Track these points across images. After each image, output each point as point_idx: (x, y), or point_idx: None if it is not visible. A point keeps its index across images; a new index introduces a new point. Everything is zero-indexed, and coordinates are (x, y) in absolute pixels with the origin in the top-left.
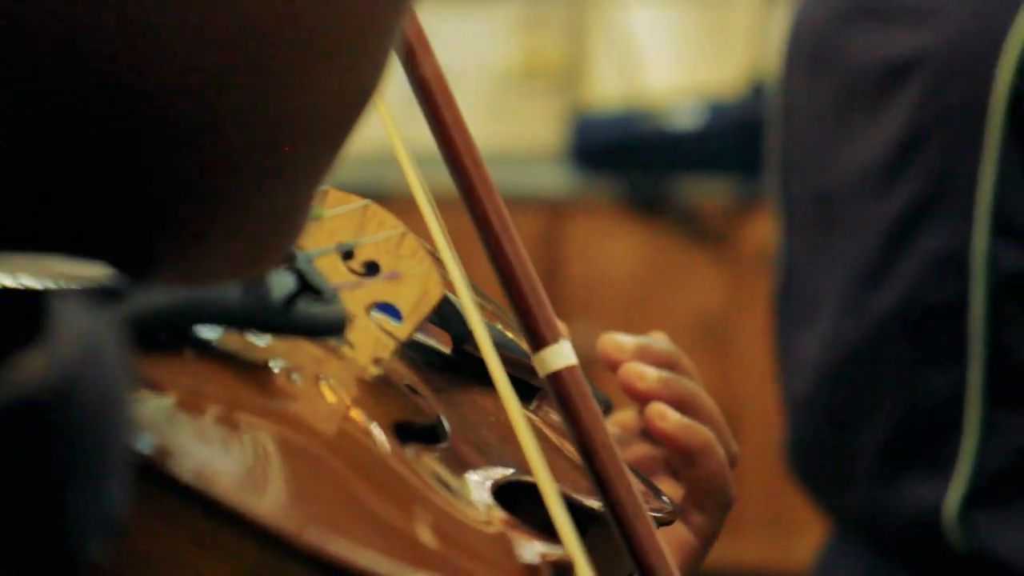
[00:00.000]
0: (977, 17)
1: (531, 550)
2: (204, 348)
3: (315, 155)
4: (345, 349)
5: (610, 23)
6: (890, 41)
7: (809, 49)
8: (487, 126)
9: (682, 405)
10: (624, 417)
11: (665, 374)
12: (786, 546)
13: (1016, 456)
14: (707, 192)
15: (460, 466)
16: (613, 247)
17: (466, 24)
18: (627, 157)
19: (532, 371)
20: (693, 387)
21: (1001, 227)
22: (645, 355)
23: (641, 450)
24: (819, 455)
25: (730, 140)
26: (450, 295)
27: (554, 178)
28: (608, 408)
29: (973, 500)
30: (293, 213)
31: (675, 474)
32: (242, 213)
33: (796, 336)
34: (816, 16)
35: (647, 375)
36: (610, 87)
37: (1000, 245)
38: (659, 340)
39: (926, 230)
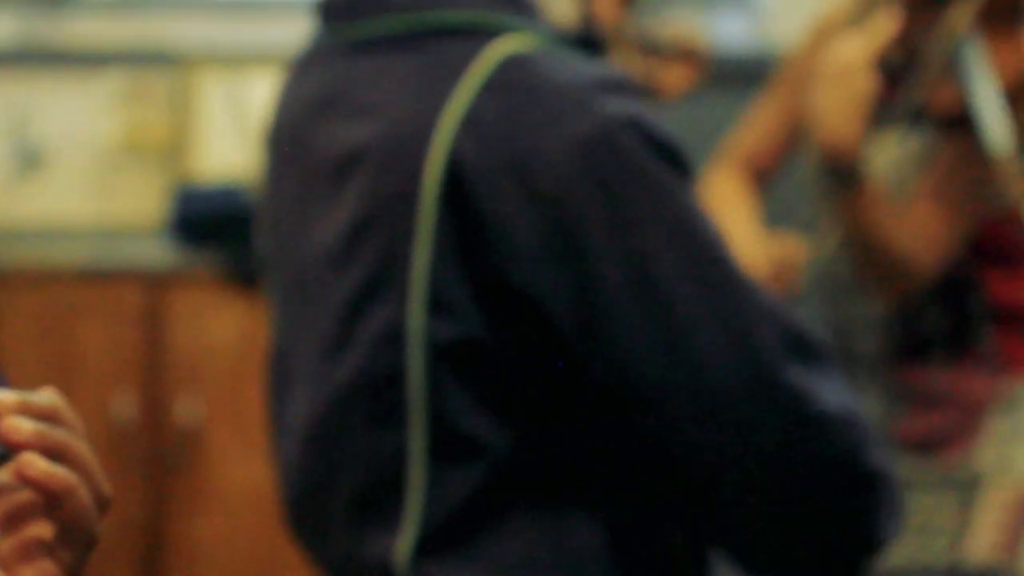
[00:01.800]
0: (409, 113)
1: None
2: None
3: None
4: None
5: (217, 96)
6: (344, 134)
7: (284, 141)
8: (87, 201)
9: (55, 454)
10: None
11: (41, 426)
12: None
13: (457, 509)
14: None
15: None
16: (216, 320)
17: (66, 99)
18: (228, 230)
19: None
20: (66, 437)
21: (434, 304)
22: (26, 410)
23: (25, 495)
24: (304, 512)
25: None
26: None
27: (156, 251)
28: (4, 458)
29: (423, 550)
30: None
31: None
32: None
33: (285, 403)
34: (292, 111)
35: (22, 428)
36: (218, 160)
37: (434, 320)
38: (42, 396)
39: (372, 308)
